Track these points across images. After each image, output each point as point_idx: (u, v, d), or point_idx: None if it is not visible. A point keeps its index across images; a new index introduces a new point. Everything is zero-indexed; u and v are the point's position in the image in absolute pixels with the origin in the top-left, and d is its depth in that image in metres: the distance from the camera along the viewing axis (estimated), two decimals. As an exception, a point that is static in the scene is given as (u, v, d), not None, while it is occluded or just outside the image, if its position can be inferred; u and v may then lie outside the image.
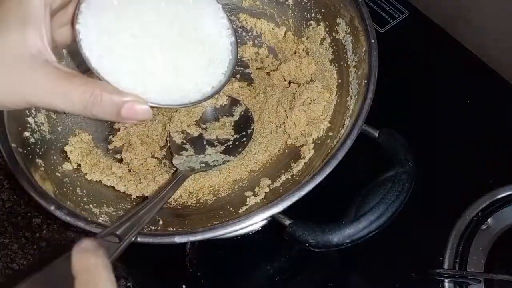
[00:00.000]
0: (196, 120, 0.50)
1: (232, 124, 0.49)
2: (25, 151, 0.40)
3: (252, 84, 0.53)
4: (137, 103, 0.33)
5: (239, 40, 0.53)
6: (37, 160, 0.41)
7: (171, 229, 0.40)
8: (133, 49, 0.35)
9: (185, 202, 0.45)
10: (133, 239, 0.34)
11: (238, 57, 0.46)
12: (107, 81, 0.33)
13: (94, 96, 0.31)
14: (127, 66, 0.35)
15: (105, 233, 0.32)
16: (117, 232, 0.32)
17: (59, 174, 0.43)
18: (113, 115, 0.32)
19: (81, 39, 0.33)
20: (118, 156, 0.48)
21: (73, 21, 0.34)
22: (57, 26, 0.35)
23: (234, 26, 0.46)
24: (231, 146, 0.48)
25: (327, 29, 0.49)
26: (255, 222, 0.35)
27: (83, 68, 0.48)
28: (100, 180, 0.45)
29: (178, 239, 0.35)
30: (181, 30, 0.37)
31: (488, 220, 0.48)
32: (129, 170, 0.47)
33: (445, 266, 0.46)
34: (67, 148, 0.45)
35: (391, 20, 0.64)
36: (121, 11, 0.35)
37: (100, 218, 0.39)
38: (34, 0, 0.31)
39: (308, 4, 0.51)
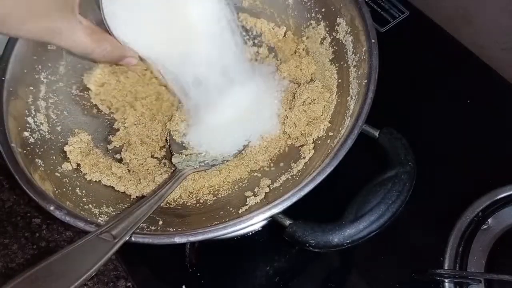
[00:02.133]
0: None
1: (233, 123, 0.49)
2: (24, 151, 0.40)
3: (252, 84, 0.53)
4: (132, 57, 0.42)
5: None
6: (37, 160, 0.41)
7: (171, 229, 0.40)
8: None
9: (185, 202, 0.45)
10: (129, 238, 0.34)
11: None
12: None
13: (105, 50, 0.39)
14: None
15: (100, 231, 0.32)
16: (113, 231, 0.33)
17: (58, 174, 0.42)
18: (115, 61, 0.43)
19: (104, 9, 0.39)
20: (117, 156, 0.48)
21: None
22: None
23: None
24: (231, 145, 0.48)
25: (327, 29, 0.49)
26: (255, 222, 0.35)
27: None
28: (99, 180, 0.45)
29: (178, 239, 0.35)
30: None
31: (488, 220, 0.47)
32: (129, 170, 0.47)
33: (445, 266, 0.46)
34: (66, 148, 0.45)
35: (392, 20, 0.64)
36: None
37: (100, 219, 0.39)
38: None
39: (308, 4, 0.51)
